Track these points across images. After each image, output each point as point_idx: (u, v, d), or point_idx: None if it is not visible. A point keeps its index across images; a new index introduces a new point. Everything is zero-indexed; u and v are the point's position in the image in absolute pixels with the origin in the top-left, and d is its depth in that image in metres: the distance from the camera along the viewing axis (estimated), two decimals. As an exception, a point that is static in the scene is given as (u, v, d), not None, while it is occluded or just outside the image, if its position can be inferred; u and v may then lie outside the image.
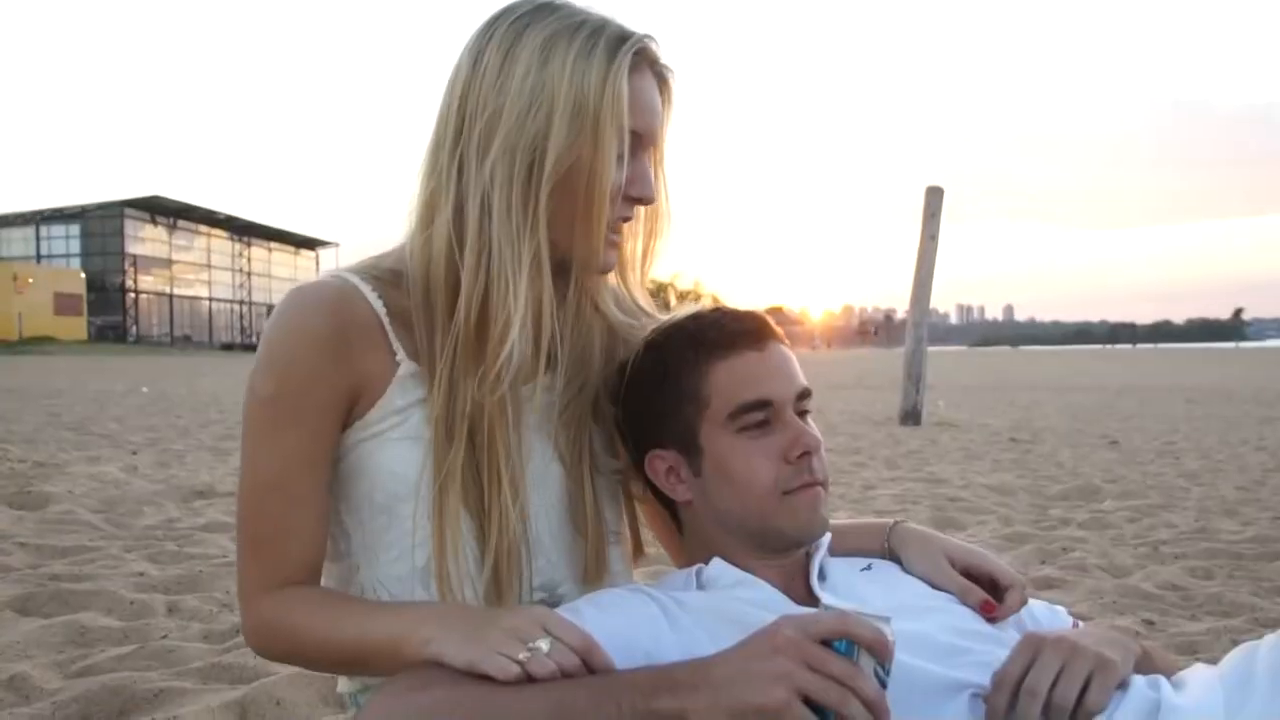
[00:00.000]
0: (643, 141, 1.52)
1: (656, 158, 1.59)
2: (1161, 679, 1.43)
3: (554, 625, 1.32)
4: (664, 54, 1.55)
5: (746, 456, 1.57)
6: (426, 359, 1.52)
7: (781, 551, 1.60)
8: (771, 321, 1.67)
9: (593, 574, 1.66)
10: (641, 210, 1.61)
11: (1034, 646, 1.39)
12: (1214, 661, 1.51)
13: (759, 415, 1.58)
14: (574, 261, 1.55)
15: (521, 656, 1.27)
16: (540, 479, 1.62)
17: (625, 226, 1.60)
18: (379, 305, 1.54)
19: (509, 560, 1.55)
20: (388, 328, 1.54)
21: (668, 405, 1.62)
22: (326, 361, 1.49)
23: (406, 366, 1.53)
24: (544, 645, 1.28)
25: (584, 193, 1.47)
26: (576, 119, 1.44)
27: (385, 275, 1.57)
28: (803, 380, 1.63)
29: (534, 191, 1.46)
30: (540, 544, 1.62)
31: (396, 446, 1.53)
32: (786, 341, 1.68)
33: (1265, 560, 4.56)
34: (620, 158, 1.48)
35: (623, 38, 1.47)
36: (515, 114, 1.44)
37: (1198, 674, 1.48)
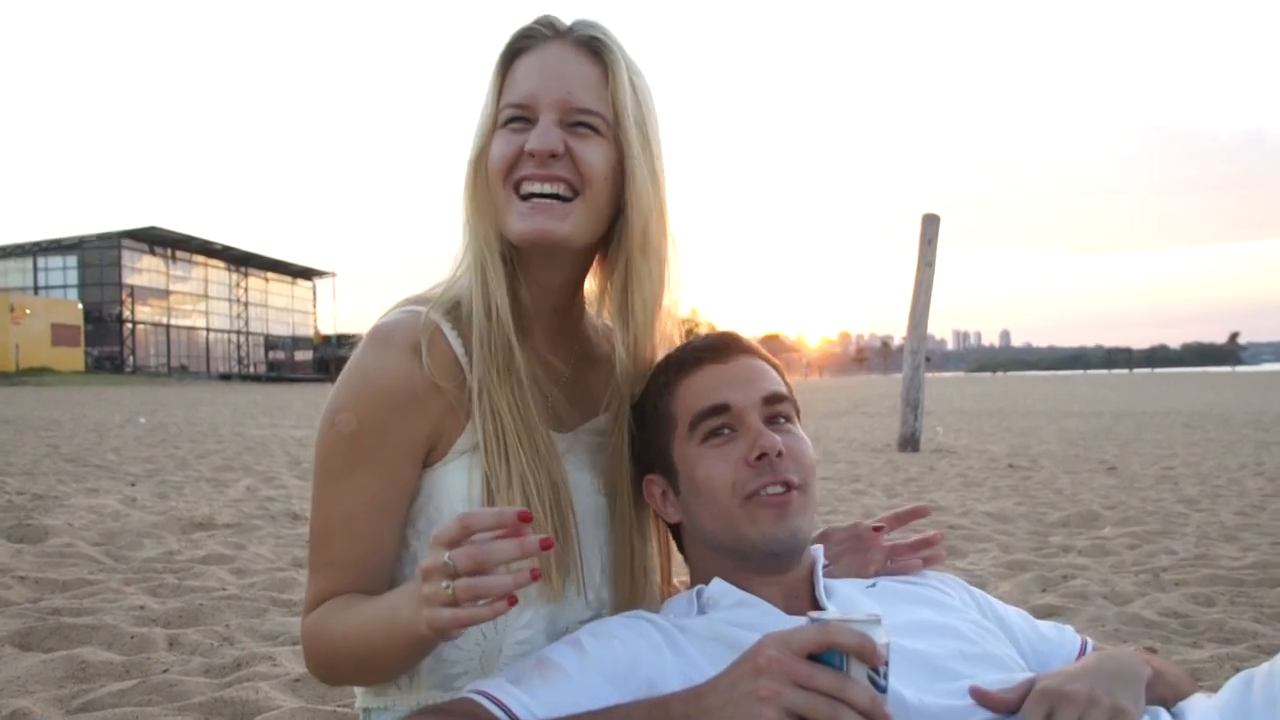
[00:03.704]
0: (531, 110, 1.56)
1: (618, 122, 1.59)
2: (1162, 711, 1.43)
3: (442, 534, 1.23)
4: (580, 27, 1.61)
5: (707, 463, 1.59)
6: None
7: (764, 566, 1.59)
8: (743, 338, 1.70)
9: (627, 601, 1.69)
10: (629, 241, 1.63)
11: (1048, 702, 1.35)
12: (1217, 690, 1.51)
13: (717, 421, 1.59)
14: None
15: (447, 593, 1.20)
16: (589, 513, 1.65)
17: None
18: (458, 344, 1.57)
19: (560, 572, 1.57)
20: (464, 366, 1.57)
21: (650, 431, 1.67)
22: (409, 403, 1.51)
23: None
24: (450, 561, 1.20)
25: (478, 168, 1.59)
26: (479, 121, 1.61)
27: (454, 307, 1.61)
28: (770, 386, 1.63)
29: (476, 184, 1.60)
30: (590, 575, 1.65)
31: (460, 465, 1.56)
32: (764, 355, 1.69)
33: (1266, 586, 4.55)
34: (495, 129, 1.58)
35: (514, 33, 1.61)
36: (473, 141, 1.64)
37: (1196, 704, 1.49)
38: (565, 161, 1.55)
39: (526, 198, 1.55)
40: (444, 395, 1.54)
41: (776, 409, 1.62)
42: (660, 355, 1.74)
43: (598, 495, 1.68)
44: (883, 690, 1.19)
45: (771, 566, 1.59)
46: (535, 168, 1.54)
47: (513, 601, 1.22)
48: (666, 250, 1.68)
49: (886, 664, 1.20)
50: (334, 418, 1.52)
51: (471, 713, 1.34)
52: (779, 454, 1.56)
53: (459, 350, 1.56)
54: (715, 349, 1.66)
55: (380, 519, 1.52)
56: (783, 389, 1.65)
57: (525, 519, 1.23)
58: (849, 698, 1.16)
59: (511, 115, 1.57)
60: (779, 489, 1.56)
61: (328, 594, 1.52)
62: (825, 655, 1.18)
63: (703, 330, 1.81)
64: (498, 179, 1.56)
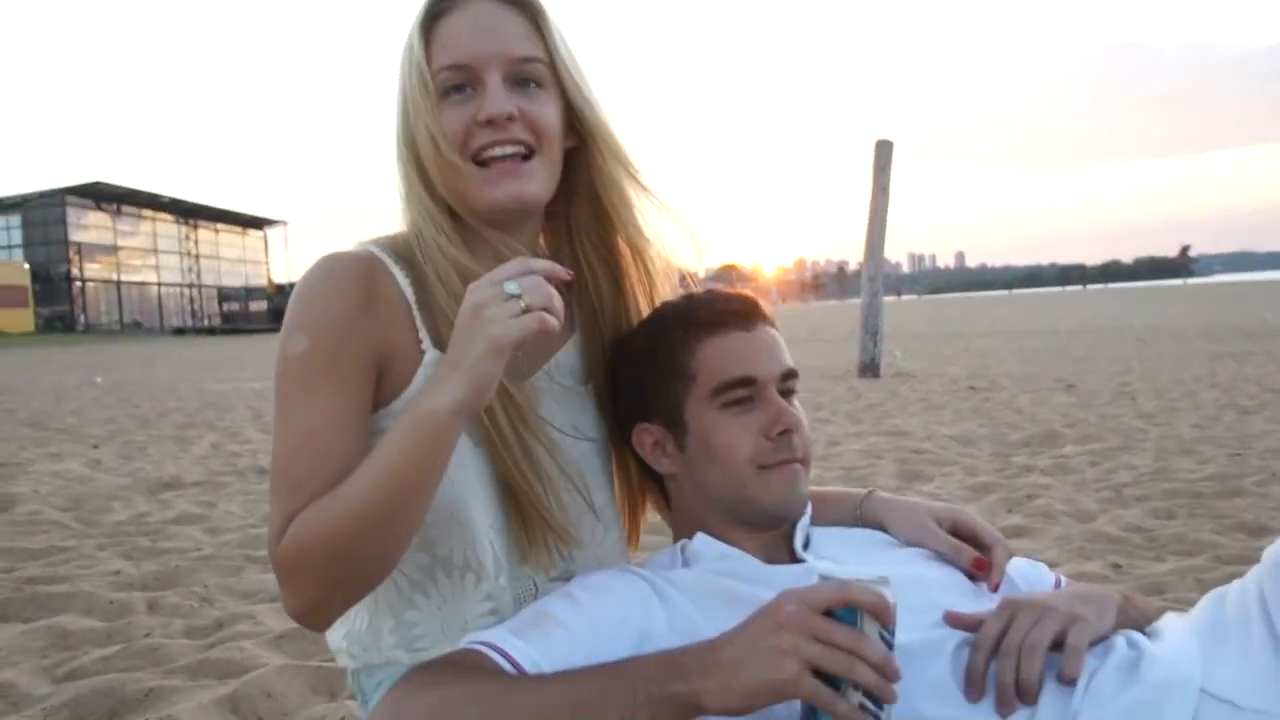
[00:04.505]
0: (472, 71, 1.54)
1: (556, 75, 1.59)
2: (1139, 636, 1.48)
3: (497, 274, 1.34)
4: None
5: (728, 431, 1.61)
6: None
7: (761, 526, 1.64)
8: (763, 304, 1.71)
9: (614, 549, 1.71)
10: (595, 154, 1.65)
11: (1009, 610, 1.43)
12: (1180, 602, 1.56)
13: (742, 392, 1.62)
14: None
15: (523, 304, 1.31)
16: (564, 451, 1.65)
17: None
18: (406, 287, 1.55)
19: (537, 530, 1.56)
20: (415, 310, 1.55)
21: (656, 381, 1.66)
22: (357, 320, 1.49)
23: (432, 354, 1.53)
24: (514, 287, 1.31)
25: (426, 144, 1.54)
26: (405, 85, 1.56)
27: (408, 255, 1.58)
28: (788, 361, 1.67)
29: (413, 164, 1.57)
30: (567, 518, 1.63)
31: None
32: (776, 324, 1.71)
33: (1224, 497, 4.67)
34: (436, 99, 1.53)
35: None
36: (398, 105, 1.59)
37: (1171, 624, 1.53)
38: (519, 124, 1.54)
39: (485, 163, 1.55)
40: (393, 314, 1.52)
41: (790, 384, 1.66)
42: (645, 288, 1.75)
43: (576, 444, 1.69)
44: (891, 647, 1.23)
45: (773, 527, 1.64)
46: (493, 134, 1.52)
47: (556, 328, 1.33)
48: (628, 176, 1.69)
49: (895, 623, 1.24)
50: (285, 344, 1.49)
51: (477, 664, 1.35)
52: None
53: (403, 283, 1.55)
54: (740, 315, 1.66)
55: (345, 435, 1.46)
56: (794, 364, 1.68)
57: (570, 274, 1.39)
58: (864, 653, 1.20)
59: (450, 81, 1.53)
60: (793, 462, 1.61)
61: (297, 514, 1.42)
62: (840, 612, 1.22)
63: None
64: (454, 154, 1.53)
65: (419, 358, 1.54)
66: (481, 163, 1.54)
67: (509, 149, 1.54)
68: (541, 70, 1.57)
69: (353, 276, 1.51)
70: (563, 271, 1.36)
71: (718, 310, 1.67)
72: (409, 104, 1.56)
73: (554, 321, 1.31)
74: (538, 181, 1.56)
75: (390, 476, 1.36)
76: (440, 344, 1.53)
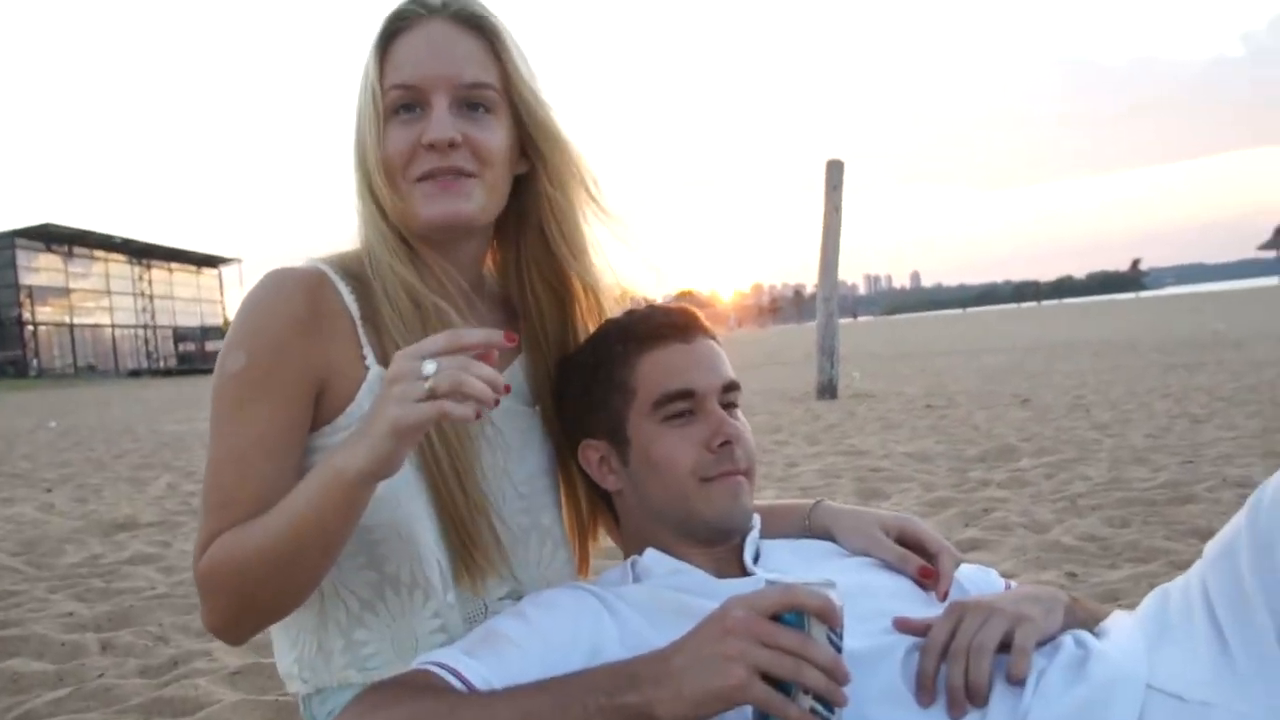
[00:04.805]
0: (421, 92, 1.54)
1: (510, 99, 1.60)
2: (1086, 635, 1.49)
3: (422, 348, 1.28)
4: (455, 3, 1.58)
5: (668, 444, 1.62)
6: None
7: (708, 541, 1.64)
8: (702, 317, 1.72)
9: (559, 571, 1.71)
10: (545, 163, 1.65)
11: (957, 613, 1.45)
12: (1135, 607, 1.58)
13: (682, 405, 1.62)
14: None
15: (426, 388, 1.24)
16: (510, 471, 1.66)
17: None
18: (352, 303, 1.55)
19: (475, 553, 1.56)
20: (359, 326, 1.55)
21: (598, 396, 1.67)
22: (297, 338, 1.49)
23: (376, 371, 1.53)
24: (430, 367, 1.26)
25: (375, 161, 1.55)
26: (361, 104, 1.57)
27: (357, 272, 1.58)
28: (729, 374, 1.67)
29: (365, 181, 1.57)
30: (513, 537, 1.65)
31: None
32: (717, 338, 1.72)
33: (1176, 504, 4.72)
34: (384, 117, 1.55)
35: (390, 14, 1.57)
36: (356, 122, 1.59)
37: (1118, 622, 1.55)
38: (463, 151, 1.54)
39: (425, 178, 1.55)
40: (335, 331, 1.52)
41: (732, 396, 1.67)
42: (589, 314, 1.75)
43: (522, 463, 1.69)
44: (839, 650, 1.24)
45: (719, 541, 1.64)
46: (436, 160, 1.53)
47: (478, 415, 1.26)
48: (585, 199, 1.70)
49: (842, 625, 1.25)
50: (224, 360, 1.49)
51: (428, 684, 1.35)
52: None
53: (348, 300, 1.55)
54: (679, 328, 1.67)
55: (269, 460, 1.47)
56: (735, 376, 1.69)
57: (511, 339, 1.32)
58: (812, 655, 1.21)
59: (399, 100, 1.54)
60: (735, 474, 1.62)
61: (220, 534, 1.45)
62: (786, 616, 1.23)
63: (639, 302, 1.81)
64: (397, 174, 1.54)
65: (362, 374, 1.54)
66: (420, 177, 1.54)
67: (449, 177, 1.55)
68: (492, 96, 1.57)
69: (296, 293, 1.51)
70: (499, 341, 1.31)
71: (656, 324, 1.68)
72: (361, 120, 1.57)
73: (461, 411, 1.25)
74: (474, 201, 1.57)
75: (299, 524, 1.36)
76: (385, 360, 1.52)
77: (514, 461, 1.68)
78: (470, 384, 1.24)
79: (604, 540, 1.87)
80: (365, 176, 1.58)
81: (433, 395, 1.24)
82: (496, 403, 1.27)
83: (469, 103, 1.56)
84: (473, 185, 1.56)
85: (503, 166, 1.60)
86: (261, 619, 1.52)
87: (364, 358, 1.54)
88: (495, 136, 1.57)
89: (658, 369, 1.64)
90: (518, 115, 1.61)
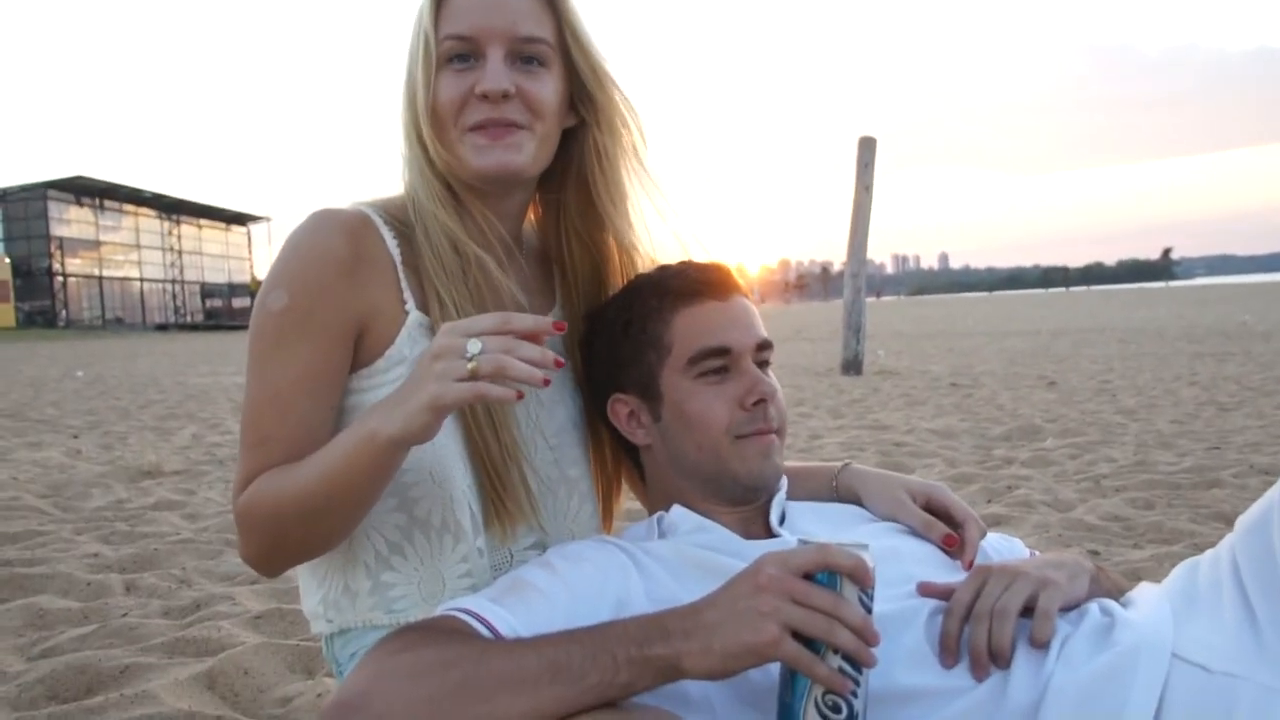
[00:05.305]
0: (476, 43, 1.55)
1: (565, 53, 1.60)
2: (1112, 603, 1.49)
3: (471, 326, 1.30)
4: None
5: (703, 401, 1.62)
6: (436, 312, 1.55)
7: (737, 499, 1.64)
8: (735, 274, 1.71)
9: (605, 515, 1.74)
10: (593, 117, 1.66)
11: (982, 575, 1.45)
12: (1160, 584, 1.57)
13: (717, 362, 1.62)
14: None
15: (469, 368, 1.26)
16: (542, 423, 1.67)
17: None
18: (394, 247, 1.56)
19: (506, 500, 1.57)
20: (400, 270, 1.56)
21: (631, 351, 1.67)
22: (340, 280, 1.50)
23: (416, 316, 1.55)
24: (475, 346, 1.27)
25: (424, 108, 1.56)
26: (413, 50, 1.58)
27: (401, 217, 1.59)
28: (763, 332, 1.67)
29: (413, 128, 1.58)
30: (542, 488, 1.66)
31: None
32: (750, 295, 1.72)
33: (1201, 489, 4.69)
34: (437, 66, 1.55)
35: None
36: (406, 68, 1.60)
37: (1145, 592, 1.54)
38: (515, 103, 1.55)
39: (477, 128, 1.55)
40: (377, 275, 1.53)
41: (765, 355, 1.66)
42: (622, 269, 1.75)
43: (552, 416, 1.70)
44: (869, 611, 1.23)
45: (748, 500, 1.64)
46: (488, 110, 1.54)
47: (520, 396, 1.28)
48: (629, 158, 1.70)
49: (873, 587, 1.24)
50: (265, 298, 1.50)
51: (455, 629, 1.35)
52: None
53: (391, 244, 1.56)
54: (715, 285, 1.66)
55: (309, 398, 1.49)
56: (768, 335, 1.68)
57: (559, 328, 1.34)
58: (843, 615, 1.20)
59: (454, 50, 1.55)
60: (768, 433, 1.62)
61: (260, 471, 1.48)
62: (819, 576, 1.23)
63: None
64: (448, 122, 1.55)
65: (403, 318, 1.55)
66: (473, 127, 1.55)
67: (500, 128, 1.56)
68: (545, 50, 1.58)
69: (339, 236, 1.52)
70: (547, 327, 1.32)
71: (692, 280, 1.67)
72: (412, 66, 1.58)
73: (499, 393, 1.26)
74: (524, 153, 1.57)
75: (333, 475, 1.39)
76: (424, 306, 1.55)
77: (545, 414, 1.68)
78: (513, 367, 1.26)
79: (626, 499, 1.87)
80: (413, 122, 1.59)
81: (474, 376, 1.26)
82: (547, 382, 1.28)
83: (523, 56, 1.57)
84: (523, 137, 1.57)
85: (553, 119, 1.60)
86: (294, 558, 1.56)
87: (404, 302, 1.55)
88: (547, 89, 1.58)
89: (694, 325, 1.63)
90: (571, 69, 1.62)
